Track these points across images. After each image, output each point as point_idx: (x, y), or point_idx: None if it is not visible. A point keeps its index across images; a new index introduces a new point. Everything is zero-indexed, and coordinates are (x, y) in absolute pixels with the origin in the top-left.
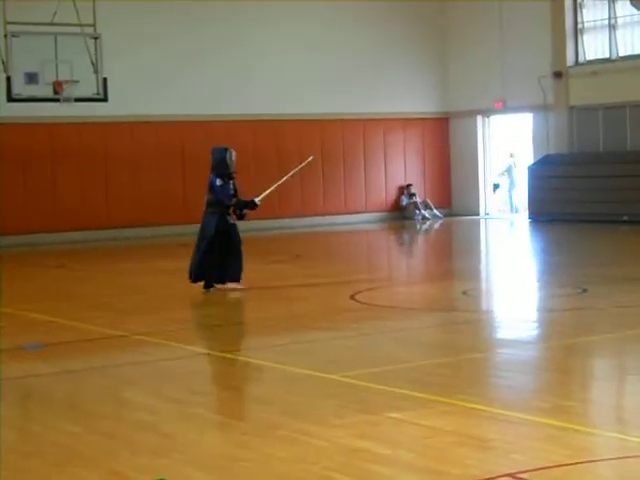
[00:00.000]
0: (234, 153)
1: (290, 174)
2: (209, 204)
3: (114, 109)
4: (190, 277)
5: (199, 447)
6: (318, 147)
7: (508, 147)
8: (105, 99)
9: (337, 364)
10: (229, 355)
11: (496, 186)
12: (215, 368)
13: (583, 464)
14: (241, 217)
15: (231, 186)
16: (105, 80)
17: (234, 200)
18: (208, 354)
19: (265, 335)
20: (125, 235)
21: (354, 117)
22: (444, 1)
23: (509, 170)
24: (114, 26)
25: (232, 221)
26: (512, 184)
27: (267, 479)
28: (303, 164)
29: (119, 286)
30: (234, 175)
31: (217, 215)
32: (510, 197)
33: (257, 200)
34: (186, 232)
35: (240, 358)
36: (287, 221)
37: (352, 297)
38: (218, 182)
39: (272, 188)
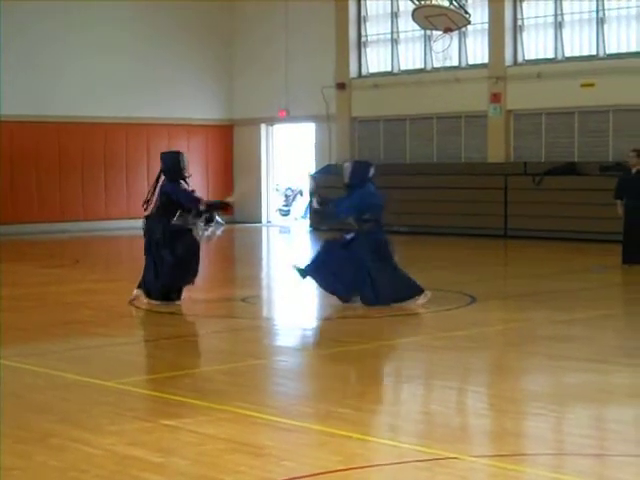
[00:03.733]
0: (185, 156)
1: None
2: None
3: None
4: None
5: None
6: (101, 151)
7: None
8: None
9: (114, 371)
10: (3, 361)
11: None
12: None
13: (354, 470)
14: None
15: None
16: None
17: (203, 203)
18: None
19: (41, 341)
20: None
21: (138, 122)
22: (231, 7)
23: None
24: None
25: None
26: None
27: None
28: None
29: None
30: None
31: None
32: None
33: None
34: None
35: (15, 364)
36: (67, 225)
37: (131, 303)
38: (182, 186)
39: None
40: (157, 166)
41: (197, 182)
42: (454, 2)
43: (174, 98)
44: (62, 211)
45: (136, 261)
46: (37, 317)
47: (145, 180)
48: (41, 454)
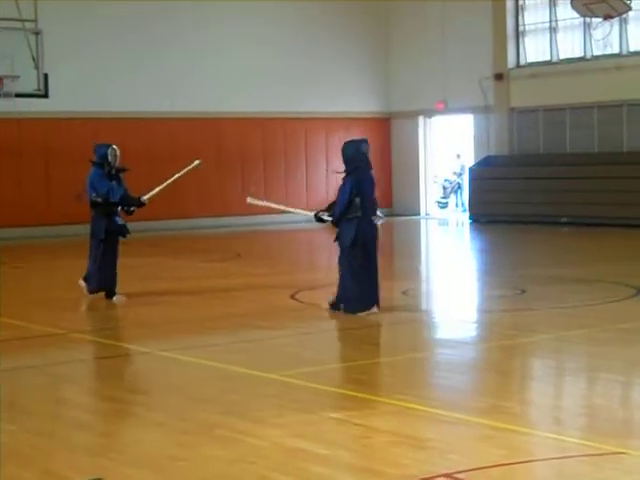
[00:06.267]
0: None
1: (178, 175)
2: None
3: (54, 105)
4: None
5: (137, 446)
6: (260, 145)
7: (456, 148)
8: (46, 95)
9: (277, 363)
10: (168, 354)
11: (459, 185)
12: (154, 367)
13: (519, 464)
14: (130, 213)
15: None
16: (46, 76)
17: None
18: (147, 353)
19: (205, 334)
20: (64, 232)
21: (296, 116)
22: (387, 2)
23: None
24: (55, 23)
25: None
26: (461, 185)
27: (205, 479)
28: (190, 167)
29: (57, 283)
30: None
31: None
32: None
33: (144, 198)
34: None
35: (179, 357)
36: (228, 219)
37: (292, 296)
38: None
39: (161, 187)
40: (316, 160)
41: None
42: None
43: (332, 92)
44: (222, 205)
45: (296, 255)
46: (199, 311)
47: (304, 174)
48: (207, 445)
